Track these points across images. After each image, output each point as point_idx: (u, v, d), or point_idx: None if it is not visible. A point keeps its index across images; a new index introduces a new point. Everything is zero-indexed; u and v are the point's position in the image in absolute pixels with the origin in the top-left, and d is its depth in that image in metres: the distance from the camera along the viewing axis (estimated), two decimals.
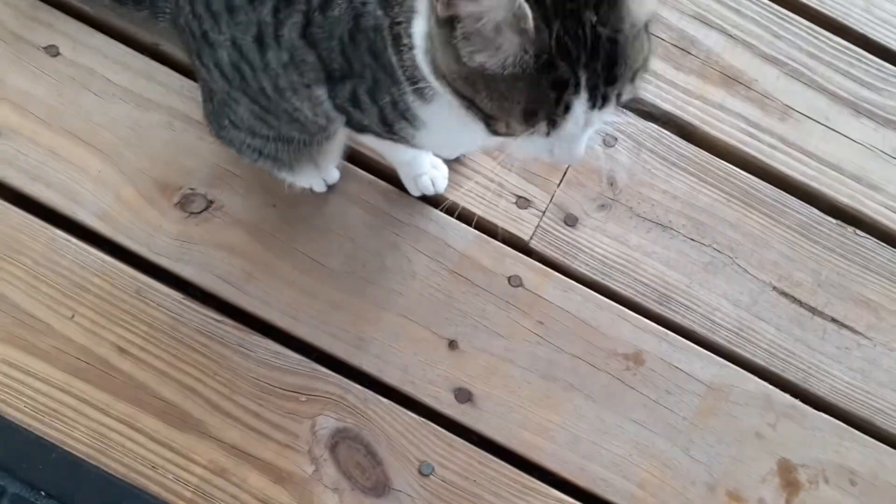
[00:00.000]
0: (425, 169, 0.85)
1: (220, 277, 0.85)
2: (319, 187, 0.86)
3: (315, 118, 0.65)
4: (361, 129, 0.65)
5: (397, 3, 0.52)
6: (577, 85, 0.47)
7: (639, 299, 0.88)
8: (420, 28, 0.51)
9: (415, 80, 0.54)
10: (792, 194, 0.92)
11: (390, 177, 0.89)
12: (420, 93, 0.56)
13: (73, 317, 0.83)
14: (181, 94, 0.88)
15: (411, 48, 0.52)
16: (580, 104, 0.48)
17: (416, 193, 0.88)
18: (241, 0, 0.56)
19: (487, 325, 0.86)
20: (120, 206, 0.85)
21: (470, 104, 0.50)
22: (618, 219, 0.90)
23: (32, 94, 0.87)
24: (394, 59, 0.54)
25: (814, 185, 0.92)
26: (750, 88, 0.95)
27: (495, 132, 0.51)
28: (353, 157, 0.88)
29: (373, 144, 0.80)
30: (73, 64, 0.88)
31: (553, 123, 0.48)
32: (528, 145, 0.52)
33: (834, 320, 0.89)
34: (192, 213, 0.86)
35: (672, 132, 0.93)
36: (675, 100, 0.93)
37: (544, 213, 0.89)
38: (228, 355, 0.83)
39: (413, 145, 0.64)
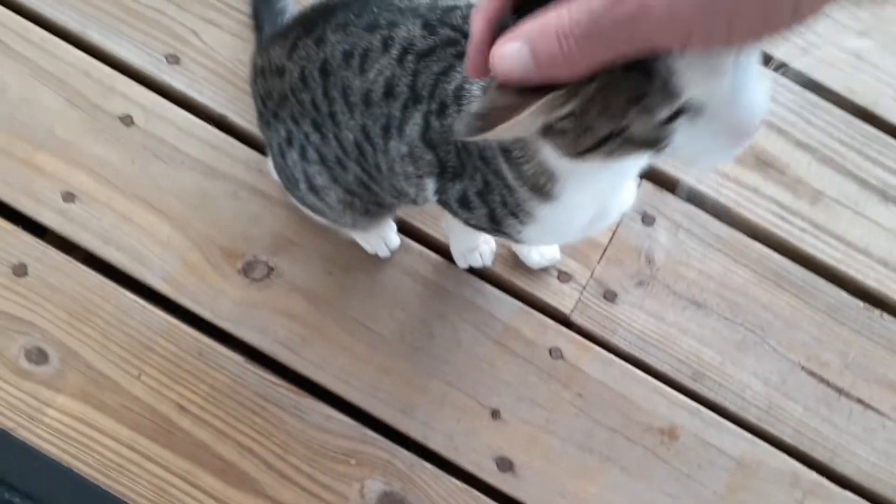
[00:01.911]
0: (477, 244, 0.88)
1: (278, 341, 0.88)
2: (384, 253, 0.89)
3: (414, 197, 0.66)
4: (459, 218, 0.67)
5: None
6: None
7: (674, 375, 0.90)
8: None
9: (535, 184, 0.55)
10: (821, 276, 0.94)
11: (440, 249, 0.92)
12: (539, 191, 0.56)
13: (139, 376, 0.85)
14: (247, 165, 0.91)
15: (527, 159, 0.53)
16: None
17: (465, 266, 0.91)
18: (378, 95, 0.59)
19: (529, 396, 0.88)
20: (186, 270, 0.88)
21: (623, 141, 0.43)
22: (655, 296, 0.92)
23: (107, 160, 0.90)
24: (504, 166, 0.55)
25: (842, 268, 0.95)
26: (783, 173, 0.97)
27: (658, 147, 0.44)
28: (406, 230, 0.91)
29: (447, 224, 0.81)
30: (146, 133, 0.91)
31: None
32: (700, 135, 0.43)
33: (860, 401, 0.91)
34: (253, 279, 0.89)
35: (708, 213, 0.95)
36: (712, 182, 0.96)
37: (585, 287, 0.92)
38: (284, 417, 0.85)
39: (516, 240, 0.64)
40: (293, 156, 0.69)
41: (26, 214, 0.89)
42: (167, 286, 0.88)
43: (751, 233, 0.95)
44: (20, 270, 0.87)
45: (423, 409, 0.87)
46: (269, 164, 0.80)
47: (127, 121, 0.91)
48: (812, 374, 0.91)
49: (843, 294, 0.94)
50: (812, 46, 1.00)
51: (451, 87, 0.55)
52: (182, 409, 0.85)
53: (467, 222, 0.65)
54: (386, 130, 0.60)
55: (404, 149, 0.60)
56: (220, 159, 0.91)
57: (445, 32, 0.56)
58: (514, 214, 0.60)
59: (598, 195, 0.59)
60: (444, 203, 0.64)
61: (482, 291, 0.91)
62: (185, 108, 0.92)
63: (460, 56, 0.55)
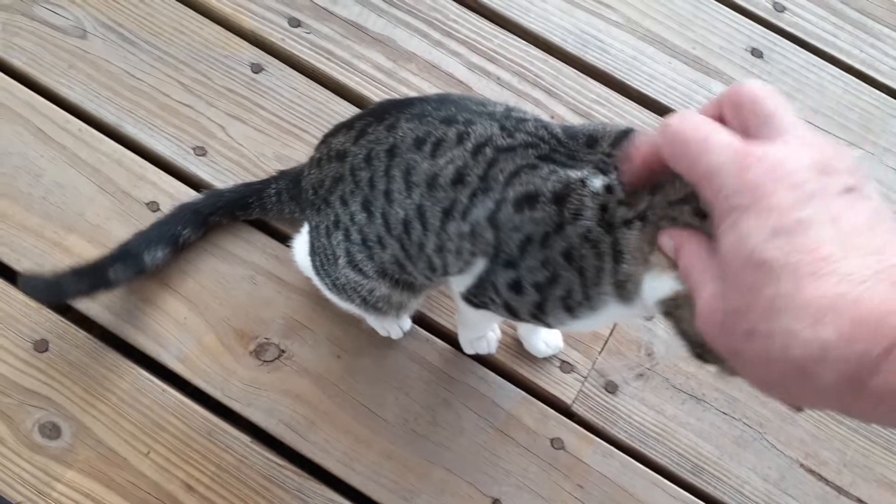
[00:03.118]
0: (485, 332, 0.90)
1: (284, 423, 0.89)
2: (397, 334, 0.91)
3: (453, 272, 0.68)
4: (482, 304, 0.68)
5: (624, 238, 0.55)
6: None
7: (673, 468, 0.90)
8: (659, 290, 0.53)
9: (622, 285, 0.57)
10: None
11: (446, 335, 0.94)
12: (621, 291, 0.57)
13: (148, 453, 0.86)
14: (264, 252, 0.95)
15: (636, 263, 0.55)
16: None
17: (471, 352, 0.92)
18: (445, 181, 0.61)
19: (530, 486, 0.88)
20: (200, 351, 0.91)
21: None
22: (655, 389, 0.93)
23: None
24: (609, 266, 0.56)
25: None
26: None
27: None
28: (414, 316, 0.93)
29: (461, 311, 0.81)
30: None
31: None
32: None
33: (859, 500, 0.90)
34: (264, 360, 0.91)
35: None
36: None
37: (586, 378, 0.93)
38: (288, 500, 0.85)
39: (554, 327, 0.66)
40: (338, 236, 0.71)
41: None
42: (181, 366, 0.90)
43: None
44: (41, 346, 0.89)
45: (425, 496, 0.87)
46: (295, 250, 0.84)
47: (153, 207, 0.96)
48: (811, 471, 0.91)
49: None
50: None
51: (545, 185, 0.58)
52: (189, 488, 0.85)
53: (506, 305, 0.65)
54: (447, 213, 0.63)
55: (466, 228, 0.62)
56: (239, 245, 0.95)
57: (522, 136, 0.60)
58: (569, 308, 0.61)
59: None
60: (482, 287, 0.65)
61: (486, 379, 0.92)
62: None
63: (542, 158, 0.58)
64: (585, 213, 0.56)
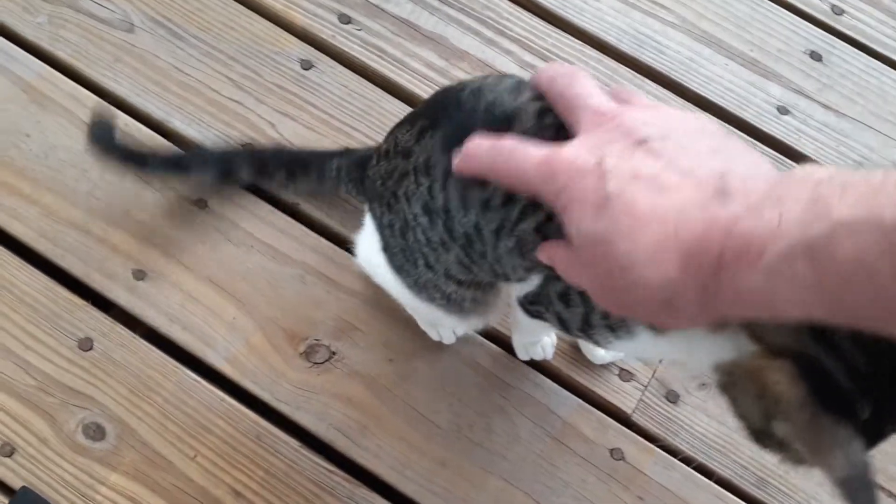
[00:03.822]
0: (541, 337, 0.86)
1: (335, 427, 0.85)
2: (449, 339, 0.87)
3: (515, 279, 0.66)
4: (537, 313, 0.66)
5: None
6: None
7: (737, 481, 0.86)
8: (704, 349, 0.52)
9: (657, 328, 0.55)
10: None
11: (499, 340, 0.90)
12: (653, 326, 0.55)
13: (195, 457, 0.83)
14: (315, 251, 0.91)
15: None
16: None
17: (525, 357, 0.89)
18: (497, 202, 0.59)
19: (588, 497, 0.84)
20: (249, 351, 0.87)
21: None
22: (717, 398, 0.89)
23: (179, 241, 0.91)
24: None
25: None
26: None
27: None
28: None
29: (514, 317, 0.79)
30: (219, 216, 0.92)
31: None
32: None
33: None
34: (315, 362, 0.88)
35: None
36: None
37: (646, 387, 0.89)
38: None
39: (602, 346, 0.64)
40: (414, 234, 0.68)
41: (97, 290, 0.89)
42: (229, 367, 0.86)
43: None
44: (86, 345, 0.86)
45: None
46: (358, 248, 0.80)
47: (201, 204, 0.93)
48: (881, 487, 0.87)
49: None
50: None
51: None
52: (237, 493, 0.81)
53: (557, 316, 0.64)
54: (498, 232, 0.60)
55: (511, 242, 0.60)
56: (288, 245, 0.92)
57: None
58: (611, 328, 0.59)
59: None
60: (537, 296, 0.64)
61: (542, 386, 0.88)
62: (257, 195, 0.94)
63: None
64: None
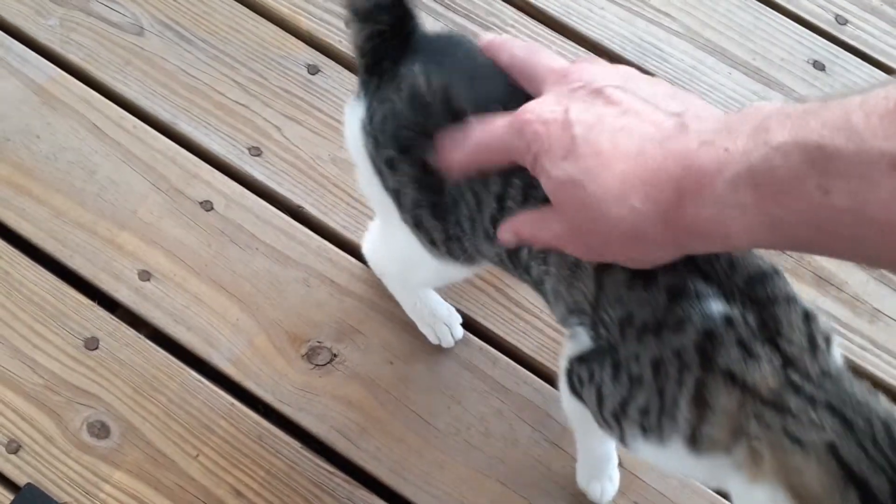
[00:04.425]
0: (607, 470, 0.82)
1: (335, 429, 0.86)
2: (448, 342, 0.88)
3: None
4: (579, 383, 0.62)
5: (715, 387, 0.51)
6: None
7: None
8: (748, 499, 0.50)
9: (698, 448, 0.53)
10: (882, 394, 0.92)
11: (500, 345, 0.91)
12: (694, 446, 0.53)
13: (197, 456, 0.84)
14: (318, 255, 0.92)
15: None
16: None
17: (583, 486, 0.83)
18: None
19: (585, 501, 0.85)
20: (252, 353, 0.88)
21: None
22: None
23: (185, 242, 0.92)
24: (684, 404, 0.53)
25: None
26: (841, 290, 0.96)
27: None
28: (468, 324, 0.90)
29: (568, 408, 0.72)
30: (224, 219, 0.93)
31: None
32: None
33: None
34: (316, 364, 0.88)
35: None
36: None
37: None
38: None
39: (628, 445, 0.59)
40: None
41: (103, 290, 0.90)
42: (233, 367, 0.87)
43: None
44: (92, 344, 0.87)
45: None
46: (365, 243, 0.80)
47: (207, 206, 0.94)
48: None
49: None
50: None
51: (664, 275, 0.54)
52: (238, 493, 0.82)
53: (598, 391, 0.59)
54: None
55: (567, 271, 0.58)
56: (292, 248, 0.93)
57: None
58: (643, 427, 0.55)
59: None
60: (587, 357, 0.60)
61: (541, 391, 0.89)
62: (263, 198, 0.95)
63: None
64: (688, 329, 0.51)
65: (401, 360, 0.89)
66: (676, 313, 0.52)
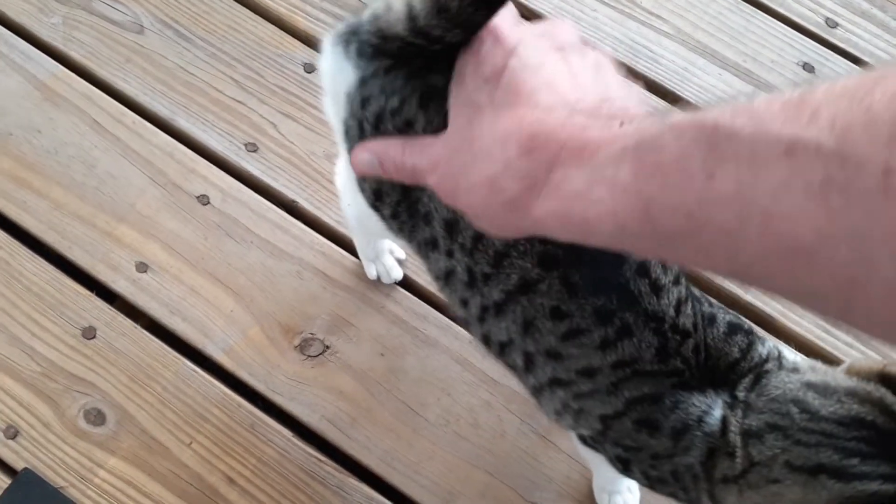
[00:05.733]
0: (621, 489, 0.84)
1: (326, 419, 0.88)
2: (387, 280, 0.92)
3: None
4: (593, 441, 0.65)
5: (721, 493, 0.56)
6: None
7: None
8: None
9: None
10: None
11: None
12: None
13: (190, 444, 0.86)
14: (311, 248, 0.94)
15: None
16: None
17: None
18: (571, 365, 0.59)
19: (571, 493, 0.86)
20: (246, 343, 0.90)
21: None
22: None
23: (181, 236, 0.94)
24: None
25: None
26: None
27: None
28: (457, 319, 0.92)
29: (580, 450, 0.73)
30: (220, 213, 0.95)
31: None
32: None
33: None
34: (309, 355, 0.90)
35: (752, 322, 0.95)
36: (755, 300, 0.97)
37: None
38: (328, 497, 0.84)
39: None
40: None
41: (101, 281, 0.92)
42: (226, 358, 0.89)
43: (796, 346, 0.94)
44: (89, 333, 0.89)
45: (465, 498, 0.85)
46: (337, 176, 0.80)
47: (203, 200, 0.96)
48: None
49: None
50: None
51: (666, 420, 0.58)
52: (231, 481, 0.84)
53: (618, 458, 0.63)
54: (559, 382, 0.61)
55: (575, 405, 0.61)
56: (287, 241, 0.94)
57: (674, 363, 0.57)
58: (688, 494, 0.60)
59: None
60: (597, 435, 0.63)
61: None
62: (258, 193, 0.96)
63: (677, 386, 0.57)
64: (693, 453, 0.56)
65: (391, 351, 0.91)
66: (682, 445, 0.57)
